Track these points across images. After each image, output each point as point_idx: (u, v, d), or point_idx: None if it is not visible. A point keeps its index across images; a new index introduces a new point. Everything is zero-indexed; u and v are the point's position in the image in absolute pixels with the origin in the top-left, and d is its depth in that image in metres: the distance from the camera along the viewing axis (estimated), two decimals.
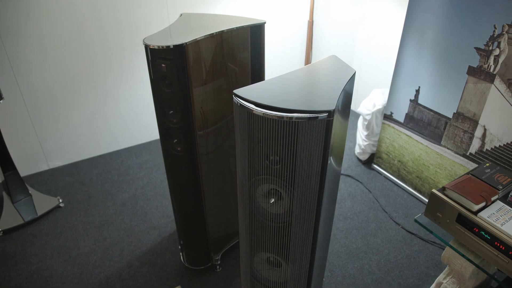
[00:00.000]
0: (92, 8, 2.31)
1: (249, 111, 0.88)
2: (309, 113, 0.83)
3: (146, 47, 1.29)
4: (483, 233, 1.32)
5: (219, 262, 1.87)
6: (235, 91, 0.92)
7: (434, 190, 1.47)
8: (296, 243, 1.05)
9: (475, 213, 1.35)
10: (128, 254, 1.95)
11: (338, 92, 0.92)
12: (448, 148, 2.07)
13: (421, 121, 2.19)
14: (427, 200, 2.30)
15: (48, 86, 2.38)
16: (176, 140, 1.48)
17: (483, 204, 1.35)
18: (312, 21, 2.82)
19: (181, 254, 1.92)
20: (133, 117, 2.80)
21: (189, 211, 1.67)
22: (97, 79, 2.54)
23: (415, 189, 2.37)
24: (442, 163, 2.13)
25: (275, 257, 1.12)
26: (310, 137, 0.85)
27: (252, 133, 0.91)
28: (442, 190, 1.46)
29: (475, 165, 1.96)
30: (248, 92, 0.92)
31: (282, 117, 0.84)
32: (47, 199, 2.26)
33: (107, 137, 2.76)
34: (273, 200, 0.99)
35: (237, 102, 0.90)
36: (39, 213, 2.17)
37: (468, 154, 1.98)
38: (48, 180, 2.50)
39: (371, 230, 2.14)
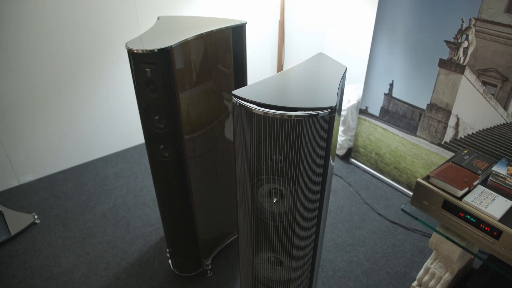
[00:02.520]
0: (61, 13, 2.22)
1: (251, 111, 0.87)
2: (313, 111, 0.84)
3: (130, 51, 1.25)
4: (468, 216, 1.39)
5: (210, 267, 1.84)
6: (234, 92, 0.91)
7: (419, 179, 1.52)
8: (300, 240, 1.05)
9: (460, 198, 1.41)
10: (114, 267, 1.89)
11: (336, 89, 0.93)
12: (423, 139, 2.16)
13: (396, 113, 2.27)
14: (406, 190, 2.39)
15: (14, 95, 2.26)
16: (162, 146, 1.45)
17: (466, 189, 1.42)
18: (283, 21, 2.84)
19: (170, 262, 1.88)
20: (106, 125, 2.71)
21: (178, 217, 1.64)
22: (67, 88, 2.43)
23: (393, 180, 2.45)
24: (418, 153, 2.21)
25: (277, 256, 1.12)
26: (313, 134, 0.86)
27: (254, 134, 0.90)
28: (427, 178, 1.51)
29: (451, 153, 2.05)
30: (247, 93, 0.91)
31: (287, 115, 0.84)
32: (21, 217, 2.14)
33: (79, 147, 2.65)
34: (275, 199, 0.99)
35: (237, 102, 0.89)
36: (13, 232, 2.05)
37: (443, 143, 2.07)
38: (20, 196, 2.37)
39: (356, 223, 2.19)
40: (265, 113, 0.86)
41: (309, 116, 0.84)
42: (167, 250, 1.98)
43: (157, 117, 1.38)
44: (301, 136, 0.86)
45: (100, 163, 2.72)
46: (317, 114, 0.85)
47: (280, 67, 3.02)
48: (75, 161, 2.67)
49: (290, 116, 0.84)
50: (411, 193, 2.35)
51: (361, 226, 2.17)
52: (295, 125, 0.85)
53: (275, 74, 1.03)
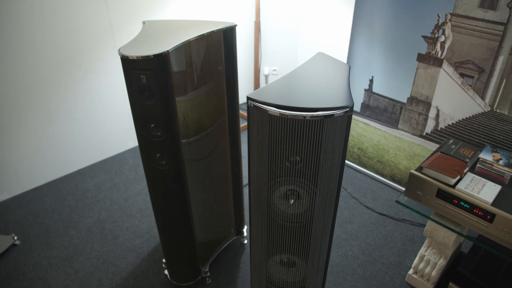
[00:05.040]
0: (31, 22, 2.10)
1: (272, 114, 0.86)
2: (332, 110, 0.84)
3: (124, 58, 1.21)
4: (462, 203, 1.45)
5: (208, 274, 1.81)
6: (249, 95, 0.90)
7: (412, 171, 1.57)
8: (316, 239, 1.06)
9: (453, 186, 1.47)
10: (108, 283, 1.81)
11: (347, 87, 0.95)
12: (405, 131, 2.23)
13: (377, 108, 2.33)
14: (390, 182, 2.46)
15: None
16: (159, 155, 1.41)
17: (458, 177, 1.48)
18: (259, 21, 2.85)
19: (167, 272, 1.83)
20: (82, 136, 2.60)
21: (175, 225, 1.60)
22: (38, 100, 2.31)
23: (377, 173, 2.52)
24: (401, 145, 2.29)
25: (290, 257, 1.12)
26: (333, 133, 0.87)
27: (272, 136, 0.89)
28: (420, 169, 1.56)
29: (432, 144, 2.13)
30: (262, 95, 0.90)
31: (309, 116, 0.83)
32: None
33: (55, 161, 2.53)
34: (292, 201, 0.99)
35: (252, 104, 0.88)
36: None
37: (424, 134, 2.15)
38: None
39: (346, 218, 2.23)
40: (281, 114, 0.86)
41: (330, 115, 0.84)
42: (163, 260, 1.93)
43: (153, 124, 1.34)
44: (322, 136, 0.86)
45: (78, 175, 2.60)
46: (337, 114, 0.85)
47: (257, 68, 3.02)
48: (52, 175, 2.54)
49: (311, 116, 0.84)
50: (396, 185, 2.43)
51: (352, 220, 2.21)
52: (316, 126, 0.85)
53: (282, 76, 1.03)
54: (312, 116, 0.84)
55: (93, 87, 2.52)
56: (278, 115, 0.86)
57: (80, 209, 2.30)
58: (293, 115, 0.85)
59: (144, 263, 1.92)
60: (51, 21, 2.19)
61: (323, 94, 0.91)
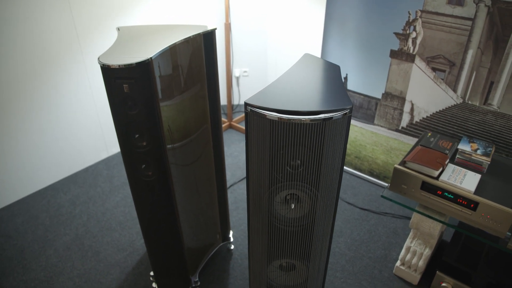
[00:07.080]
0: None
1: (272, 119, 0.85)
2: (333, 112, 0.84)
3: (105, 67, 1.15)
4: (446, 194, 1.49)
5: (198, 283, 1.77)
6: (247, 100, 0.88)
7: (396, 165, 1.60)
8: (317, 242, 1.05)
9: (436, 178, 1.52)
10: None
11: (342, 88, 0.95)
12: (381, 126, 2.28)
13: (353, 105, 2.37)
14: (368, 177, 2.51)
15: None
16: (144, 166, 1.36)
17: (441, 169, 1.53)
18: (230, 23, 2.82)
19: (155, 285, 1.77)
20: (51, 149, 2.47)
21: (163, 236, 1.55)
22: (2, 110, 2.17)
23: (355, 168, 2.56)
24: (377, 140, 2.34)
25: (290, 261, 1.11)
26: (334, 135, 0.86)
27: (273, 141, 0.88)
28: (403, 163, 1.60)
29: (409, 138, 2.20)
30: (260, 100, 0.89)
31: (307, 119, 0.83)
32: None
33: (23, 177, 2.38)
34: (293, 205, 0.98)
35: (249, 110, 0.86)
36: None
37: (400, 128, 2.21)
38: None
39: None
40: (280, 118, 0.85)
41: (329, 118, 0.84)
42: (150, 273, 1.87)
43: (137, 135, 1.29)
44: (322, 139, 0.86)
45: (50, 191, 2.47)
46: (336, 116, 0.85)
47: (229, 70, 3.00)
48: (21, 192, 2.40)
49: (311, 120, 0.83)
50: (374, 179, 2.48)
51: (335, 217, 2.23)
52: (315, 129, 0.84)
53: (275, 80, 1.01)
54: (311, 120, 0.83)
55: (62, 98, 2.40)
56: (277, 119, 0.85)
57: (55, 226, 2.18)
58: (292, 119, 0.84)
59: (130, 278, 1.85)
60: (13, 32, 2.06)
61: (320, 97, 0.91)
